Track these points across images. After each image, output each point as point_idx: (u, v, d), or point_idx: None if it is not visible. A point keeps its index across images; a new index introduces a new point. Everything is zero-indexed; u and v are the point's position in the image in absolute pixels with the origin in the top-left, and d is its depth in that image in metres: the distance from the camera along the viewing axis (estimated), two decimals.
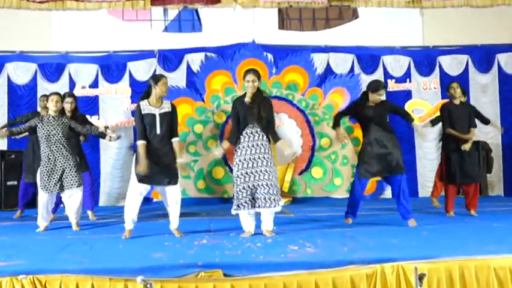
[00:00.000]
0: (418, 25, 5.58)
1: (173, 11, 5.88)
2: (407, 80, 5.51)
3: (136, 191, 2.91)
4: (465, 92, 3.82)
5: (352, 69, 5.43)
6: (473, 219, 3.57)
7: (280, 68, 5.31)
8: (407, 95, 5.50)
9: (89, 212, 3.84)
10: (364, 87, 5.23)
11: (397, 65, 5.51)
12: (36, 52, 5.24)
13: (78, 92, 5.15)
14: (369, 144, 3.21)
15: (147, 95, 2.99)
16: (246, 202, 2.86)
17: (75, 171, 3.27)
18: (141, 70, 5.30)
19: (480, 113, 3.89)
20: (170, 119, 2.98)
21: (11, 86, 5.20)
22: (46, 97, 3.94)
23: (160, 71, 5.25)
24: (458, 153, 3.63)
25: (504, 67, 5.57)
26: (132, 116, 4.97)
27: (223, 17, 5.22)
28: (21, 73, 5.21)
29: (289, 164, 5.11)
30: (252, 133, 2.89)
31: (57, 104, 3.29)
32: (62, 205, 3.73)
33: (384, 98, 3.42)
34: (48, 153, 3.23)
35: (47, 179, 3.22)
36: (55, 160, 3.23)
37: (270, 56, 5.31)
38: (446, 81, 5.45)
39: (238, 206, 2.87)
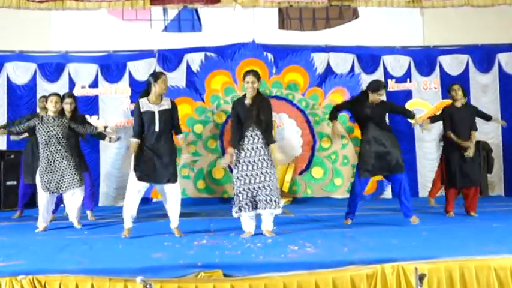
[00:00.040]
0: (418, 25, 5.57)
1: (173, 11, 5.87)
2: (408, 79, 5.51)
3: (135, 189, 2.90)
4: (466, 93, 3.81)
5: (352, 69, 5.42)
6: (473, 219, 3.57)
7: (280, 68, 5.30)
8: (407, 95, 5.49)
9: (88, 212, 3.83)
10: (364, 87, 5.25)
11: (397, 64, 5.50)
12: (35, 52, 5.24)
13: (77, 91, 5.15)
14: (368, 143, 3.21)
15: (146, 92, 2.98)
16: (246, 204, 2.85)
17: (75, 171, 3.27)
18: (141, 70, 5.29)
19: (481, 111, 3.88)
20: (170, 116, 2.98)
21: (11, 86, 5.20)
22: (45, 98, 3.93)
23: (160, 70, 5.23)
24: (459, 156, 3.62)
25: (505, 67, 5.56)
26: (132, 115, 4.96)
27: (223, 16, 5.22)
28: (20, 73, 5.20)
29: (289, 164, 5.10)
30: (251, 136, 2.89)
31: (57, 104, 3.29)
32: (62, 205, 3.73)
33: (384, 98, 3.41)
34: (48, 154, 3.23)
35: (47, 180, 3.21)
36: (54, 161, 3.23)
37: (270, 56, 5.30)
38: (446, 81, 5.46)
39: (239, 208, 2.87)
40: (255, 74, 2.93)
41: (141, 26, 5.86)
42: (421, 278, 2.05)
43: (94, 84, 5.24)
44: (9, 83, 5.19)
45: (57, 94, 3.39)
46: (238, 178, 2.87)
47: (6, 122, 4.58)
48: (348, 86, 5.29)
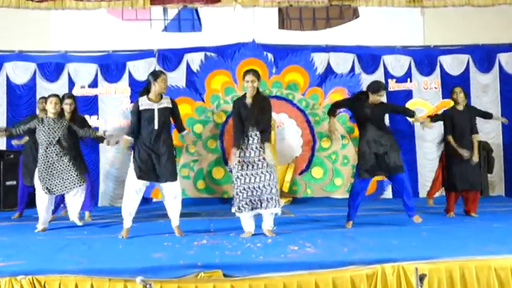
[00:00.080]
0: (418, 24, 5.57)
1: (173, 11, 5.86)
2: (408, 79, 5.50)
3: (134, 188, 2.89)
4: (466, 95, 3.81)
5: (352, 68, 5.42)
6: (473, 219, 3.57)
7: (281, 68, 5.30)
8: (408, 94, 5.48)
9: (86, 213, 3.82)
10: (364, 87, 5.24)
11: (397, 64, 5.50)
12: (35, 51, 5.23)
13: (77, 91, 5.14)
14: (367, 143, 3.20)
15: (146, 91, 2.98)
16: (246, 204, 2.85)
17: (76, 171, 3.26)
18: (141, 70, 5.29)
19: (481, 110, 3.88)
20: (170, 115, 2.99)
21: (10, 86, 5.19)
22: (45, 99, 3.92)
23: (159, 69, 5.24)
24: (460, 159, 3.61)
25: (505, 67, 5.55)
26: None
27: (223, 16, 5.21)
28: (20, 73, 5.20)
29: (290, 164, 5.10)
30: (251, 135, 2.89)
31: (56, 106, 3.28)
32: (62, 205, 3.73)
33: (384, 99, 3.41)
34: (47, 156, 3.22)
35: (47, 182, 3.21)
36: (54, 162, 3.22)
37: (270, 56, 5.30)
38: (447, 81, 5.46)
39: (239, 208, 2.87)
40: (255, 73, 2.93)
41: (140, 26, 5.85)
42: (421, 278, 2.04)
43: (94, 84, 5.24)
44: (9, 82, 5.19)
45: (56, 95, 3.38)
46: (238, 177, 2.86)
47: (6, 126, 4.56)
48: (348, 86, 5.29)
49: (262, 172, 2.84)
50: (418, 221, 3.21)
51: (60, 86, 5.16)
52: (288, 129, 5.22)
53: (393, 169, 3.17)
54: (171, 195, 2.94)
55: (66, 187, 3.24)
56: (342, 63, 5.41)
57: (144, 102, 2.92)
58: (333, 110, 3.37)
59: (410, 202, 3.25)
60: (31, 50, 5.23)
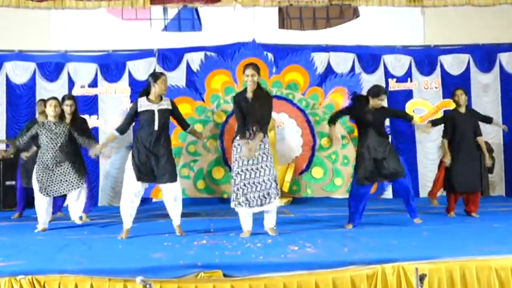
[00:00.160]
0: (419, 24, 5.56)
1: (173, 10, 5.85)
2: (408, 79, 5.49)
3: (132, 192, 2.88)
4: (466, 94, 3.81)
5: (352, 68, 5.41)
6: (474, 219, 3.56)
7: (281, 68, 5.29)
8: (408, 94, 5.48)
9: (83, 215, 3.81)
10: (365, 87, 5.24)
11: (398, 64, 5.49)
12: (35, 51, 5.22)
13: (77, 91, 5.14)
14: (367, 149, 3.18)
15: (146, 92, 2.98)
16: (247, 200, 2.84)
17: (74, 174, 3.26)
18: (141, 69, 5.28)
19: (482, 115, 3.86)
20: (171, 116, 3.00)
21: (10, 86, 5.18)
22: (43, 102, 3.92)
23: (159, 70, 5.20)
24: (461, 161, 3.61)
25: (506, 66, 5.54)
26: None
27: (223, 16, 5.20)
28: (19, 72, 5.19)
29: (290, 164, 5.09)
30: (252, 130, 2.87)
31: (56, 108, 3.28)
32: (65, 204, 3.72)
33: (385, 103, 3.39)
34: (48, 159, 3.21)
35: (46, 183, 3.20)
36: (53, 165, 3.21)
37: (270, 55, 5.29)
38: (447, 80, 5.45)
39: (239, 203, 2.85)
40: (255, 67, 2.91)
41: (140, 26, 5.85)
42: (421, 278, 2.04)
43: (93, 84, 5.23)
44: (9, 82, 5.18)
45: (55, 98, 3.37)
46: (238, 173, 2.86)
47: (7, 138, 4.51)
48: (349, 86, 5.28)
49: (262, 167, 2.83)
50: (418, 222, 3.20)
51: (60, 86, 5.15)
52: (288, 129, 5.21)
53: (394, 174, 3.15)
54: (171, 196, 2.93)
55: (64, 189, 3.23)
56: (342, 62, 5.40)
57: (143, 104, 2.92)
58: (333, 120, 3.37)
59: (415, 204, 3.22)
60: (31, 49, 5.21)
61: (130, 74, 5.29)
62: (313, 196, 5.14)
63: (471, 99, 5.16)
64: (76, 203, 3.30)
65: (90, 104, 5.20)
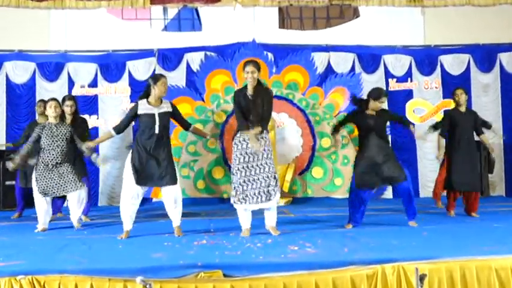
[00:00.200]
0: (419, 24, 5.56)
1: (173, 10, 5.85)
2: (409, 79, 5.49)
3: (131, 194, 2.87)
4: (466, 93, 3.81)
5: (353, 68, 5.41)
6: (474, 219, 3.56)
7: (281, 67, 5.29)
8: (408, 94, 5.48)
9: (83, 216, 3.81)
10: (365, 87, 5.24)
11: (398, 64, 5.49)
12: (35, 51, 5.22)
13: (77, 91, 5.14)
14: (368, 153, 3.16)
15: (146, 94, 2.97)
16: (246, 196, 2.84)
17: (73, 176, 3.25)
18: (141, 69, 5.28)
19: (481, 118, 3.84)
20: (172, 118, 3.01)
21: (10, 85, 5.19)
22: (43, 103, 3.91)
23: (159, 70, 5.23)
24: (461, 159, 3.61)
25: (506, 66, 5.54)
26: None
27: (223, 16, 5.20)
28: (19, 72, 5.19)
29: (290, 164, 5.09)
30: (251, 127, 2.86)
31: (56, 109, 3.28)
32: (65, 204, 3.72)
33: (385, 104, 3.38)
34: (48, 160, 3.22)
35: (46, 185, 3.20)
36: (53, 167, 3.22)
37: (270, 55, 5.29)
38: (447, 80, 5.45)
39: (238, 200, 2.85)
40: (255, 64, 2.91)
41: (140, 25, 5.85)
42: (421, 278, 2.04)
43: (93, 84, 5.23)
44: (9, 82, 5.18)
45: (55, 99, 3.37)
46: (238, 169, 2.86)
47: (11, 142, 4.40)
48: (349, 86, 5.28)
49: (261, 164, 2.83)
50: (413, 225, 3.15)
51: (59, 86, 5.15)
52: (288, 129, 5.21)
53: (394, 178, 3.13)
54: (172, 198, 2.93)
55: (62, 190, 3.23)
56: (342, 62, 5.40)
57: (143, 106, 2.91)
58: (337, 129, 3.36)
59: (413, 206, 3.17)
60: (31, 49, 5.22)
61: (130, 74, 5.29)
62: (313, 196, 5.14)
63: (471, 99, 5.16)
64: (76, 206, 3.29)
65: (90, 104, 5.20)
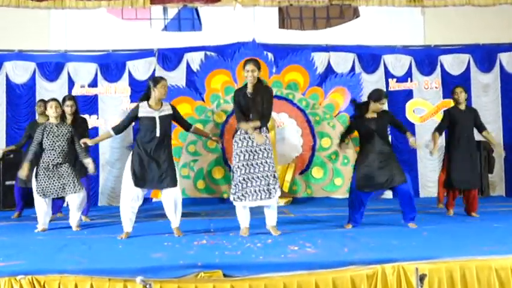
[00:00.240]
0: (419, 24, 5.55)
1: (173, 10, 5.85)
2: (409, 79, 5.49)
3: (131, 197, 2.87)
4: (467, 94, 3.81)
5: (353, 68, 5.40)
6: (474, 219, 3.56)
7: (281, 67, 5.29)
8: (408, 94, 5.48)
9: (83, 217, 3.81)
10: (365, 87, 5.24)
11: (398, 64, 5.49)
12: (34, 51, 5.22)
13: (77, 91, 5.14)
14: (370, 156, 3.14)
15: (146, 97, 2.98)
16: (246, 193, 2.84)
17: (74, 176, 3.26)
18: (141, 69, 5.28)
19: (479, 119, 3.79)
20: (173, 120, 3.01)
21: (10, 85, 5.18)
22: (43, 102, 3.91)
23: (159, 70, 5.24)
24: (460, 157, 3.61)
25: (506, 66, 5.54)
26: None
27: (223, 15, 5.20)
28: (19, 72, 5.19)
29: (290, 164, 5.09)
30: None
31: (57, 109, 3.28)
32: (65, 204, 3.72)
33: (385, 107, 3.38)
34: (49, 160, 3.22)
35: (45, 186, 3.20)
36: (53, 167, 3.22)
37: (270, 55, 5.29)
38: (448, 80, 5.45)
39: (238, 197, 2.85)
40: (255, 62, 2.91)
41: (140, 25, 5.85)
42: (421, 278, 2.04)
43: (93, 84, 5.23)
44: (9, 82, 5.18)
45: (55, 99, 3.37)
46: (238, 167, 2.86)
47: (15, 145, 4.28)
48: (349, 86, 5.28)
49: (261, 163, 2.84)
50: (413, 227, 3.12)
51: (59, 86, 5.15)
52: (288, 129, 5.21)
53: (396, 180, 3.10)
54: (172, 200, 2.93)
55: (61, 192, 3.23)
56: (342, 62, 5.40)
57: (144, 109, 2.92)
58: (343, 138, 3.37)
59: (413, 209, 3.13)
60: (31, 49, 5.21)
61: (130, 74, 5.28)
62: (313, 196, 5.14)
63: (471, 99, 5.15)
64: (75, 209, 3.29)
65: (90, 104, 5.19)
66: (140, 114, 2.91)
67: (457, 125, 3.65)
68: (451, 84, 5.21)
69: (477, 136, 3.81)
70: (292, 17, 6.43)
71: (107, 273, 2.02)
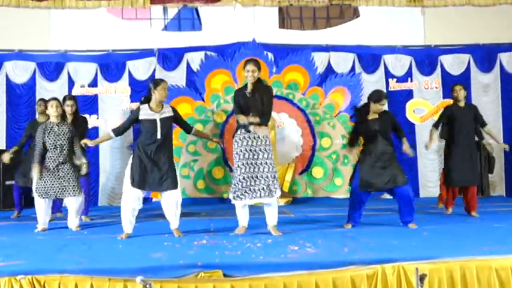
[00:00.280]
0: (419, 24, 5.56)
1: (173, 10, 5.86)
2: (409, 79, 5.49)
3: (132, 198, 2.88)
4: (466, 91, 3.81)
5: (353, 68, 5.41)
6: (474, 219, 3.56)
7: (281, 67, 5.29)
8: (408, 94, 5.48)
9: (83, 217, 3.81)
10: (365, 87, 5.24)
11: (398, 64, 5.49)
12: (35, 51, 5.22)
13: (77, 91, 5.14)
14: (373, 156, 3.14)
15: (147, 99, 2.98)
16: (246, 192, 2.84)
17: (74, 179, 3.26)
18: (141, 69, 5.28)
19: (480, 115, 3.82)
20: (174, 122, 3.02)
21: (10, 85, 5.19)
22: (43, 102, 3.91)
23: (159, 70, 5.24)
24: (459, 155, 3.62)
25: (506, 66, 5.54)
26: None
27: (223, 15, 5.20)
28: (20, 72, 5.19)
29: (290, 164, 5.09)
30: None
31: (58, 109, 3.28)
32: (64, 205, 3.72)
33: (386, 107, 3.38)
34: (50, 160, 3.22)
35: (46, 186, 3.20)
36: (54, 167, 3.21)
37: (270, 55, 5.29)
38: (448, 80, 5.45)
39: (238, 196, 2.86)
40: (256, 63, 2.92)
41: (140, 25, 5.85)
42: (421, 278, 2.04)
43: (93, 84, 5.23)
44: (9, 82, 5.18)
45: (56, 98, 3.37)
46: (238, 166, 2.87)
47: (18, 146, 4.16)
48: (349, 86, 5.28)
49: (261, 163, 2.84)
50: (413, 227, 3.11)
51: (60, 86, 5.15)
52: (288, 129, 5.21)
53: (397, 182, 3.10)
54: (171, 202, 2.93)
55: (61, 193, 3.23)
56: (342, 62, 5.40)
57: (145, 112, 2.92)
58: (351, 144, 3.34)
59: (412, 210, 3.13)
60: (31, 49, 5.22)
61: (130, 74, 5.29)
62: (313, 196, 5.14)
63: (471, 99, 5.15)
64: (74, 213, 3.29)
65: (90, 104, 5.20)
66: (141, 117, 2.91)
67: (456, 122, 3.65)
68: (451, 84, 5.20)
69: (482, 129, 3.81)
70: (292, 17, 6.44)
71: (107, 273, 2.02)
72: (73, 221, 3.31)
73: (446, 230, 2.98)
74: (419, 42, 5.59)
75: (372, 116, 3.22)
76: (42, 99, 4.15)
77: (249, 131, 2.87)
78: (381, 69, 5.48)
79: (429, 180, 5.35)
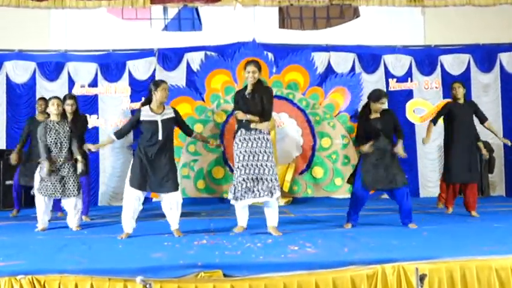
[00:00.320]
0: (419, 24, 5.56)
1: (173, 10, 5.85)
2: (409, 79, 5.49)
3: (133, 198, 2.89)
4: (465, 88, 3.82)
5: (353, 68, 5.41)
6: (474, 219, 3.56)
7: (281, 67, 5.29)
8: (408, 94, 5.48)
9: (83, 217, 3.81)
10: (365, 87, 5.24)
11: (398, 64, 5.49)
12: (35, 51, 5.21)
13: (77, 91, 5.13)
14: (378, 154, 3.14)
15: (148, 101, 2.98)
16: (246, 192, 2.85)
17: (74, 180, 3.26)
18: (141, 69, 5.28)
19: (480, 110, 3.83)
20: (174, 124, 3.01)
21: (10, 85, 5.18)
22: (44, 101, 3.91)
23: (159, 70, 5.24)
24: (458, 152, 3.62)
25: (506, 66, 5.54)
26: (132, 115, 4.95)
27: (223, 15, 5.20)
28: (20, 72, 5.19)
29: (290, 164, 5.09)
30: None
31: (59, 107, 3.29)
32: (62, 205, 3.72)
33: (386, 106, 3.39)
34: (52, 159, 3.21)
35: (47, 184, 3.20)
36: (55, 168, 3.21)
37: (270, 55, 5.29)
38: (448, 80, 5.44)
39: (238, 197, 2.87)
40: (256, 64, 2.93)
41: (141, 25, 5.85)
42: (421, 278, 2.04)
43: (94, 84, 5.23)
44: (9, 82, 5.18)
45: (57, 97, 3.38)
46: (238, 167, 2.88)
47: (19, 145, 4.15)
48: (349, 86, 5.28)
49: (261, 165, 2.85)
50: (413, 227, 3.12)
51: (60, 85, 5.15)
52: (288, 129, 5.21)
53: (398, 182, 3.10)
54: (173, 203, 2.94)
55: (62, 193, 3.23)
56: (342, 62, 5.40)
57: (146, 113, 2.92)
58: (361, 143, 3.29)
59: (410, 210, 3.14)
60: (31, 49, 5.21)
61: (130, 74, 5.28)
62: (313, 196, 5.14)
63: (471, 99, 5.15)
64: (72, 214, 3.29)
65: (90, 104, 5.19)
66: (142, 118, 2.92)
67: (456, 119, 3.66)
68: (452, 82, 5.21)
69: (482, 125, 3.81)
70: (292, 17, 6.43)
71: (107, 273, 2.02)
72: (72, 220, 3.31)
73: (446, 230, 2.99)
74: (419, 42, 5.58)
75: (373, 115, 3.23)
76: (42, 98, 4.16)
77: (249, 128, 2.87)
78: (381, 69, 5.47)
79: (429, 180, 5.34)
